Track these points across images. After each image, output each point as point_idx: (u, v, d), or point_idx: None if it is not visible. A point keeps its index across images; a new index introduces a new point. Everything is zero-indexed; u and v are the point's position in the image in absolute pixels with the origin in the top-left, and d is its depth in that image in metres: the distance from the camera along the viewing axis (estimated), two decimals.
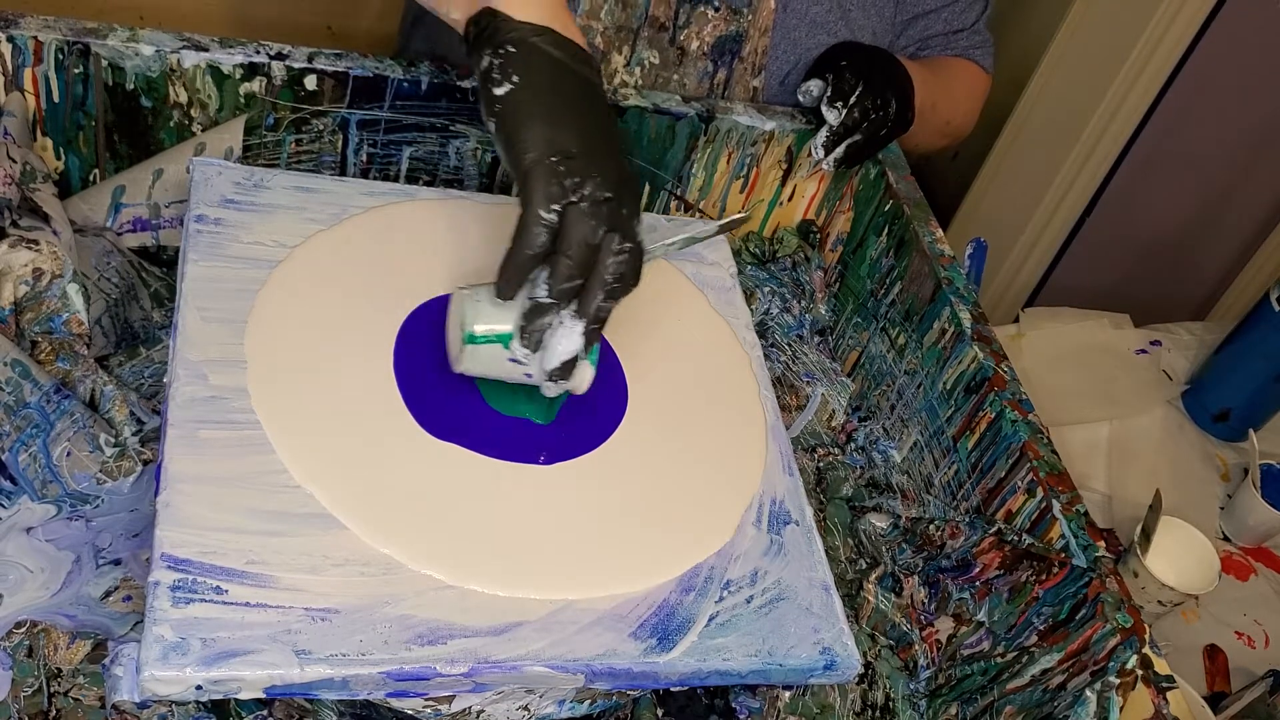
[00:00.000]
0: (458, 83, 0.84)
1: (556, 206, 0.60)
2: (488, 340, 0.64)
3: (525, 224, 0.60)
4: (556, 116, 0.62)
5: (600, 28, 0.95)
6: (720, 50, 0.97)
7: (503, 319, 0.64)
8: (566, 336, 0.62)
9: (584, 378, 0.65)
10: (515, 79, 0.62)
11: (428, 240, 0.76)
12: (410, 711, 0.62)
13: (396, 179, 0.88)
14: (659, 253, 0.70)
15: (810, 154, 0.92)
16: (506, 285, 0.62)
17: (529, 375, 0.65)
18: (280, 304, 0.68)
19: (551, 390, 0.65)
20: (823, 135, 0.91)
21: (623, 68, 0.97)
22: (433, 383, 0.68)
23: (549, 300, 0.62)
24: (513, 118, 0.62)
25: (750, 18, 0.96)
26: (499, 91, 0.62)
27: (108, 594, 0.63)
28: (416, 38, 1.10)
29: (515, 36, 0.63)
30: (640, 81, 0.97)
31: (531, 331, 0.63)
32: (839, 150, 0.91)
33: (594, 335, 0.63)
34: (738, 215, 0.74)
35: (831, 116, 0.90)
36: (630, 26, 0.95)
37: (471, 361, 0.65)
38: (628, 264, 0.62)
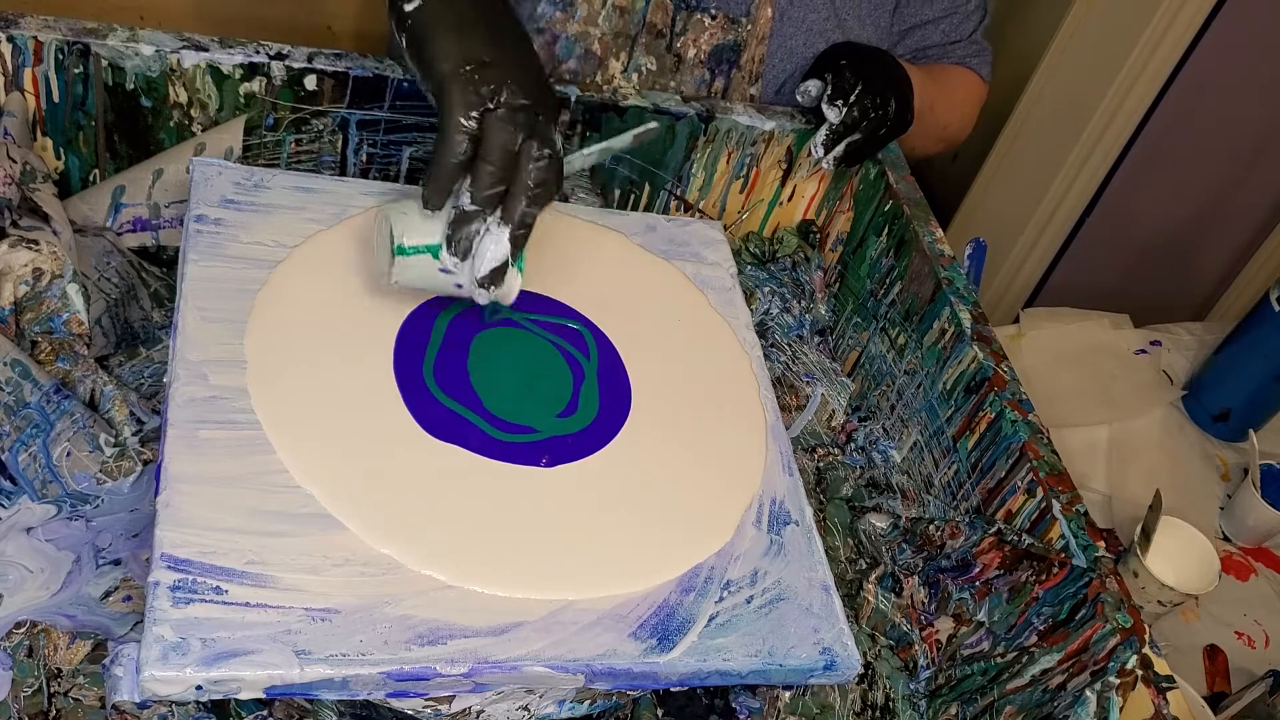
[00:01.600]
0: None
1: (475, 114, 0.62)
2: (417, 251, 0.65)
3: (446, 132, 0.62)
4: (467, 27, 0.64)
5: (598, 34, 0.95)
6: (718, 59, 0.97)
7: (430, 231, 0.65)
8: (495, 243, 0.64)
9: (513, 285, 0.67)
10: None
11: None
12: (410, 711, 0.62)
13: (396, 179, 0.88)
14: (577, 163, 0.72)
15: (810, 153, 0.92)
16: (433, 195, 0.63)
17: (459, 285, 0.67)
18: (280, 304, 0.68)
19: (483, 297, 0.67)
20: (822, 134, 0.91)
21: (620, 74, 0.97)
22: (433, 383, 0.68)
23: (474, 208, 0.63)
24: (424, 30, 0.64)
25: (748, 28, 0.97)
26: (409, 7, 0.64)
27: (108, 594, 0.63)
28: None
29: None
30: (638, 87, 0.97)
31: (459, 239, 0.64)
32: (839, 149, 0.91)
33: (520, 240, 0.65)
34: (650, 125, 0.75)
35: (832, 114, 0.90)
36: (628, 33, 0.95)
37: (403, 273, 0.66)
38: (548, 170, 0.64)
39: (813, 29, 0.99)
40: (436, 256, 0.65)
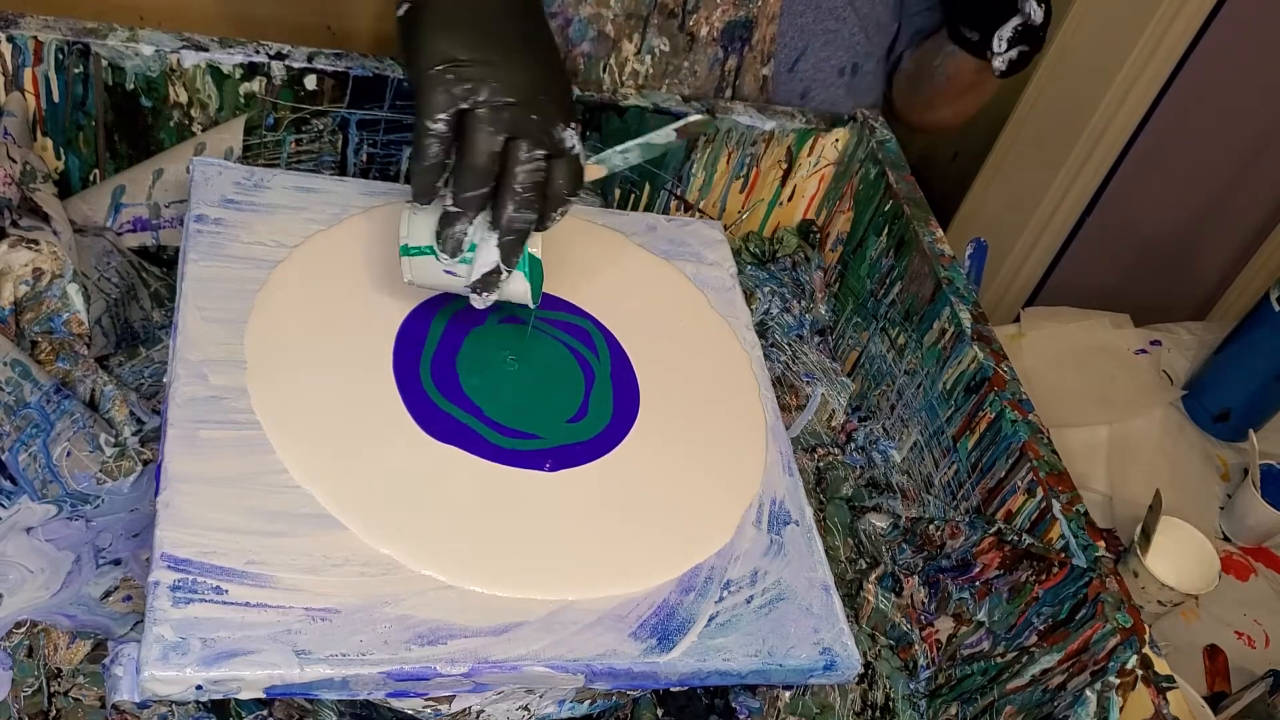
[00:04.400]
0: None
1: (443, 115, 0.60)
2: (420, 252, 0.65)
3: (416, 135, 0.61)
4: (451, 28, 0.62)
5: (610, 15, 0.95)
6: (730, 36, 0.97)
7: (434, 233, 0.65)
8: (485, 249, 0.63)
9: (515, 290, 0.66)
10: None
11: None
12: (410, 711, 0.62)
13: (396, 179, 0.88)
14: (616, 162, 0.69)
15: (994, 45, 0.90)
16: (416, 196, 0.62)
17: (467, 287, 0.66)
18: (280, 304, 0.68)
19: (478, 302, 0.66)
20: (1011, 28, 0.88)
21: (634, 56, 0.97)
22: (432, 382, 0.68)
23: (455, 209, 0.62)
24: (408, 34, 0.62)
25: (759, 4, 0.97)
26: (400, 12, 0.62)
27: (108, 594, 0.63)
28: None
29: None
30: (651, 70, 0.97)
31: (445, 239, 0.63)
32: (1013, 52, 0.89)
33: (510, 247, 0.63)
34: (694, 117, 0.70)
35: (1037, 14, 0.88)
36: (640, 14, 0.95)
37: (411, 272, 0.67)
38: (542, 173, 0.61)
39: (822, 6, 0.99)
40: (439, 257, 0.65)
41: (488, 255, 0.64)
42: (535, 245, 0.68)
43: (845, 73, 1.02)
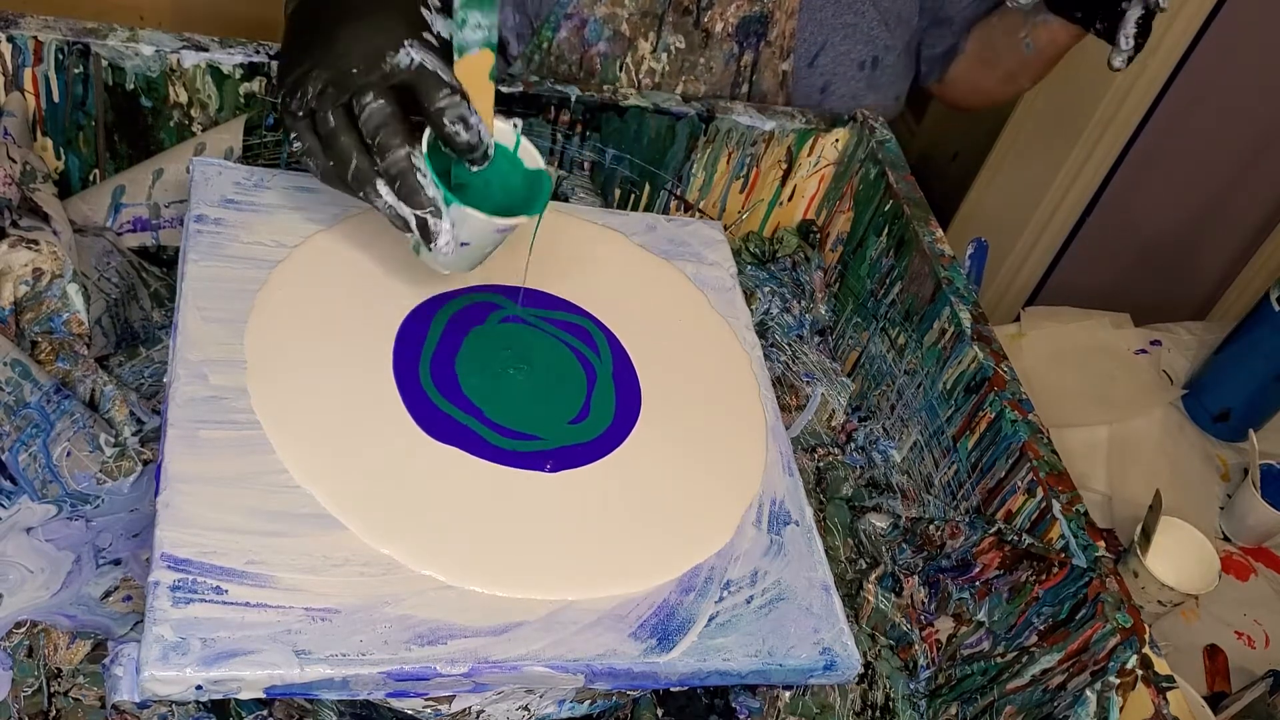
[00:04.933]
0: None
1: (295, 135, 0.62)
2: (417, 246, 0.66)
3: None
4: (287, 59, 0.64)
5: (625, 14, 0.95)
6: (745, 32, 0.97)
7: None
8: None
9: (472, 226, 0.64)
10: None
11: None
12: (410, 711, 0.62)
13: None
14: (470, 37, 0.63)
15: (1122, 42, 0.87)
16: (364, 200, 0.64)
17: (464, 243, 0.66)
18: (280, 304, 0.68)
19: (443, 260, 0.65)
20: (1133, 22, 0.86)
21: (650, 54, 0.97)
22: (431, 382, 0.68)
23: (360, 195, 0.63)
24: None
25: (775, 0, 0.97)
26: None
27: (108, 594, 0.63)
28: None
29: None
30: (667, 68, 0.97)
31: (392, 220, 0.63)
32: (1131, 46, 0.88)
33: (406, 191, 0.62)
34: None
35: None
36: (655, 12, 0.96)
37: (432, 263, 0.67)
38: (384, 110, 0.61)
39: (841, 0, 0.98)
40: None
41: (403, 209, 0.63)
42: (534, 159, 0.68)
43: (865, 66, 1.02)
